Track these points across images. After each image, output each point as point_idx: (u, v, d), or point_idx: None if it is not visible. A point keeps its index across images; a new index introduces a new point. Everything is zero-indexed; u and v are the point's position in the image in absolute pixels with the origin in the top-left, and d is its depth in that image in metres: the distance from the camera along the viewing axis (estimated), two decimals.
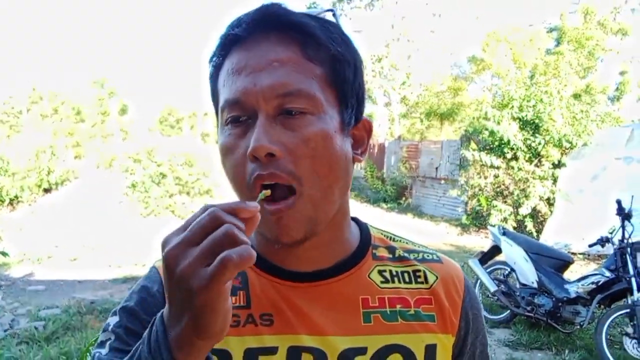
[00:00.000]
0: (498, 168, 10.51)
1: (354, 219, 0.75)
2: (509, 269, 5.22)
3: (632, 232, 4.58)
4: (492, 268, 5.40)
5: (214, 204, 0.45)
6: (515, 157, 10.24)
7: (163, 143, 13.58)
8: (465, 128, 12.76)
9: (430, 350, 0.67)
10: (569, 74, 15.25)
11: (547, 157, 9.95)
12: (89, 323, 4.86)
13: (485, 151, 10.71)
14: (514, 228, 9.94)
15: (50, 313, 5.12)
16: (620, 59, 17.55)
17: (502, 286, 5.12)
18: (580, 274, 5.69)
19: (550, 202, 9.99)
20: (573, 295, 4.62)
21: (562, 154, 9.98)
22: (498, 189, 10.83)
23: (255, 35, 0.60)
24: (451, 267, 0.75)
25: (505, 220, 10.17)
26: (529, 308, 4.87)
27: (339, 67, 0.61)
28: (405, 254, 0.73)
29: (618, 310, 4.30)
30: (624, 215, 4.58)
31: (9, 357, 3.66)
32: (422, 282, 0.71)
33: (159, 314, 0.49)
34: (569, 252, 6.99)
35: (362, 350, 0.64)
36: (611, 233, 4.73)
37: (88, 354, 1.66)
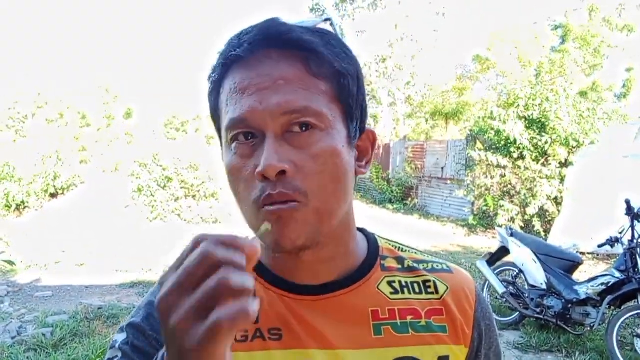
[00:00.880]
0: (504, 167, 10.47)
1: (361, 230, 0.75)
2: (517, 270, 5.18)
3: None
4: (500, 269, 5.36)
5: (207, 235, 0.42)
6: (521, 157, 10.19)
7: (168, 146, 13.62)
8: (470, 128, 12.71)
9: None
10: (574, 72, 15.15)
11: (554, 156, 9.89)
12: (96, 329, 4.85)
13: (492, 151, 10.67)
14: (522, 228, 9.89)
15: (57, 319, 5.12)
16: (627, 56, 17.42)
17: (511, 288, 5.09)
18: (590, 274, 5.65)
19: (558, 202, 9.92)
20: (583, 296, 4.58)
21: (569, 152, 9.92)
22: (505, 189, 10.78)
23: (258, 54, 0.59)
24: (462, 277, 0.73)
25: (512, 220, 10.12)
26: (538, 310, 4.83)
27: (343, 81, 0.61)
28: (415, 264, 0.72)
29: (629, 311, 4.26)
30: (634, 214, 4.54)
31: None
32: (432, 293, 0.70)
33: (160, 354, 0.47)
34: (577, 252, 6.93)
35: None
36: (620, 233, 4.68)
37: None
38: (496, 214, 10.48)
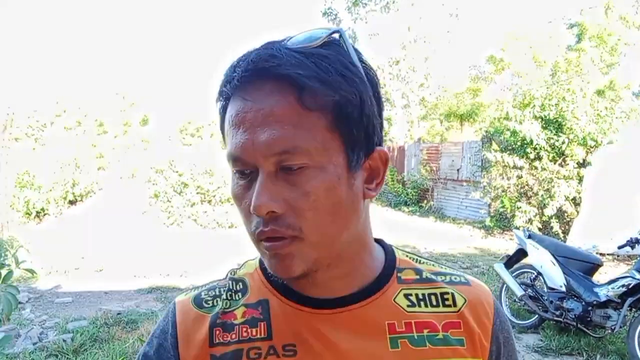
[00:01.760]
0: (521, 168, 10.36)
1: (379, 241, 0.74)
2: (535, 273, 5.12)
3: None
4: (518, 272, 5.31)
5: None
6: (538, 157, 10.08)
7: (184, 152, 13.74)
8: (486, 129, 12.60)
9: None
10: (591, 71, 14.95)
11: (572, 156, 9.76)
12: (115, 334, 4.91)
13: (508, 152, 10.56)
14: (539, 229, 9.77)
15: (77, 325, 5.18)
16: None
17: (530, 290, 5.03)
18: (610, 276, 5.56)
19: (576, 202, 9.79)
20: (603, 298, 4.51)
21: (587, 152, 9.78)
22: (522, 190, 10.66)
23: (250, 87, 0.58)
24: (480, 290, 0.72)
25: (530, 221, 10.00)
26: (557, 312, 4.76)
27: (340, 110, 0.58)
28: (432, 276, 0.71)
29: None
30: None
31: None
32: (449, 306, 0.69)
33: None
34: (597, 253, 6.81)
35: None
36: None
37: None
38: (513, 216, 10.37)
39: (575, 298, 4.70)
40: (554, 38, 17.84)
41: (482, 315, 0.69)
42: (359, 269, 0.67)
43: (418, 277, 0.71)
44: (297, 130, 0.56)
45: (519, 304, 5.19)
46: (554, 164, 10.01)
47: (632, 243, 4.60)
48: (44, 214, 12.83)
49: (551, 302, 4.82)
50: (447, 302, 0.69)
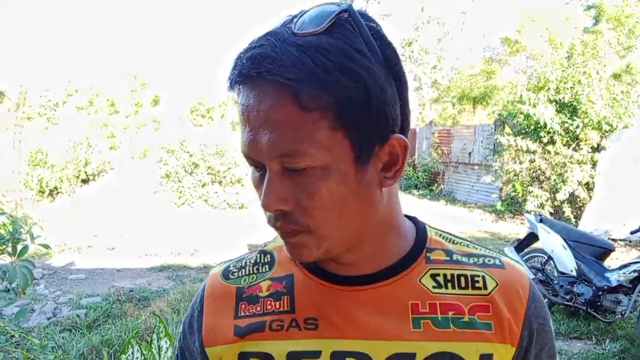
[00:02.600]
0: (534, 152, 10.25)
1: (412, 219, 0.73)
2: (546, 257, 5.09)
3: None
4: (528, 256, 5.29)
5: None
6: (552, 141, 9.97)
7: (194, 133, 13.77)
8: (499, 112, 12.46)
9: None
10: (608, 54, 14.67)
11: (586, 140, 9.64)
12: (128, 311, 4.99)
13: (521, 135, 10.45)
14: (551, 214, 9.71)
15: (91, 301, 5.28)
16: None
17: (540, 274, 5.01)
18: (622, 261, 5.52)
19: (589, 187, 9.70)
20: (614, 283, 4.49)
21: (601, 136, 9.65)
22: (534, 174, 10.58)
23: (250, 85, 0.57)
24: (514, 273, 0.69)
25: (541, 206, 9.94)
26: (567, 297, 4.75)
27: (342, 108, 0.56)
28: (464, 259, 0.69)
29: None
30: None
31: (53, 346, 3.80)
32: (479, 288, 0.66)
33: None
34: (609, 238, 6.78)
35: (411, 357, 0.62)
36: None
37: (130, 345, 1.69)
38: (525, 200, 10.30)
39: (585, 282, 4.68)
40: (570, 20, 17.49)
41: (515, 300, 0.66)
42: (385, 249, 0.67)
43: (448, 258, 0.69)
44: (296, 133, 0.55)
45: None
46: (568, 148, 9.90)
47: None
48: (57, 192, 12.97)
49: (561, 286, 4.81)
50: (477, 285, 0.66)
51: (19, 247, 2.26)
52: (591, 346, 4.43)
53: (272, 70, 0.54)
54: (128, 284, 6.15)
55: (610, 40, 15.32)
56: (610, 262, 5.35)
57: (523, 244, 5.31)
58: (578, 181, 9.62)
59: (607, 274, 4.59)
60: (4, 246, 2.30)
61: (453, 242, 0.71)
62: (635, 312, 4.44)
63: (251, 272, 0.71)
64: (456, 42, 20.73)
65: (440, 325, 0.63)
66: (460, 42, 20.86)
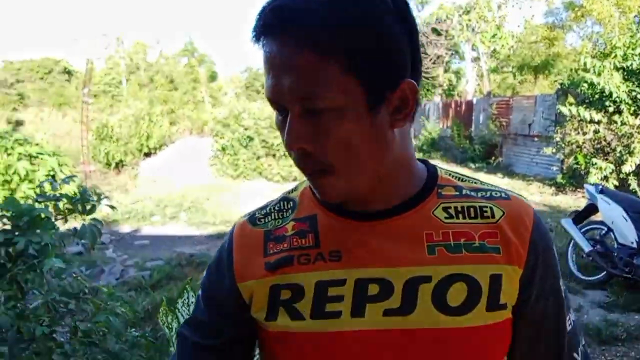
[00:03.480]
0: (598, 123, 9.75)
1: (423, 161, 0.78)
2: (605, 229, 4.92)
3: None
4: (587, 228, 5.12)
5: None
6: (618, 111, 9.43)
7: (249, 107, 14.03)
8: (561, 81, 11.89)
9: (495, 280, 0.68)
10: None
11: None
12: (188, 273, 5.28)
13: (584, 105, 9.96)
14: (616, 187, 9.25)
15: (154, 264, 5.63)
16: None
17: (598, 246, 4.86)
18: None
19: None
20: None
21: None
22: (598, 146, 10.07)
23: (271, 35, 0.62)
24: (520, 203, 0.74)
25: (605, 178, 9.49)
26: (627, 269, 4.58)
27: (353, 53, 0.61)
28: (472, 193, 0.74)
29: None
30: None
31: (120, 302, 4.10)
32: (487, 217, 0.71)
33: None
34: None
35: (427, 279, 0.68)
36: None
37: (185, 290, 1.84)
38: (588, 172, 9.85)
39: None
40: None
41: (520, 226, 0.71)
42: (400, 186, 0.72)
43: (458, 193, 0.74)
44: (313, 77, 0.61)
45: (586, 260, 5.03)
46: (635, 117, 9.35)
47: None
48: (122, 165, 13.67)
49: (621, 258, 4.64)
50: (485, 214, 0.72)
51: (88, 206, 2.44)
52: None
53: (293, 19, 0.61)
54: (188, 249, 6.48)
55: None
56: None
57: (582, 216, 5.14)
58: None
59: None
60: (74, 206, 2.49)
61: (462, 180, 0.77)
62: None
63: (277, 217, 0.77)
64: (517, 9, 19.79)
65: (453, 251, 0.69)
66: (522, 9, 19.89)
